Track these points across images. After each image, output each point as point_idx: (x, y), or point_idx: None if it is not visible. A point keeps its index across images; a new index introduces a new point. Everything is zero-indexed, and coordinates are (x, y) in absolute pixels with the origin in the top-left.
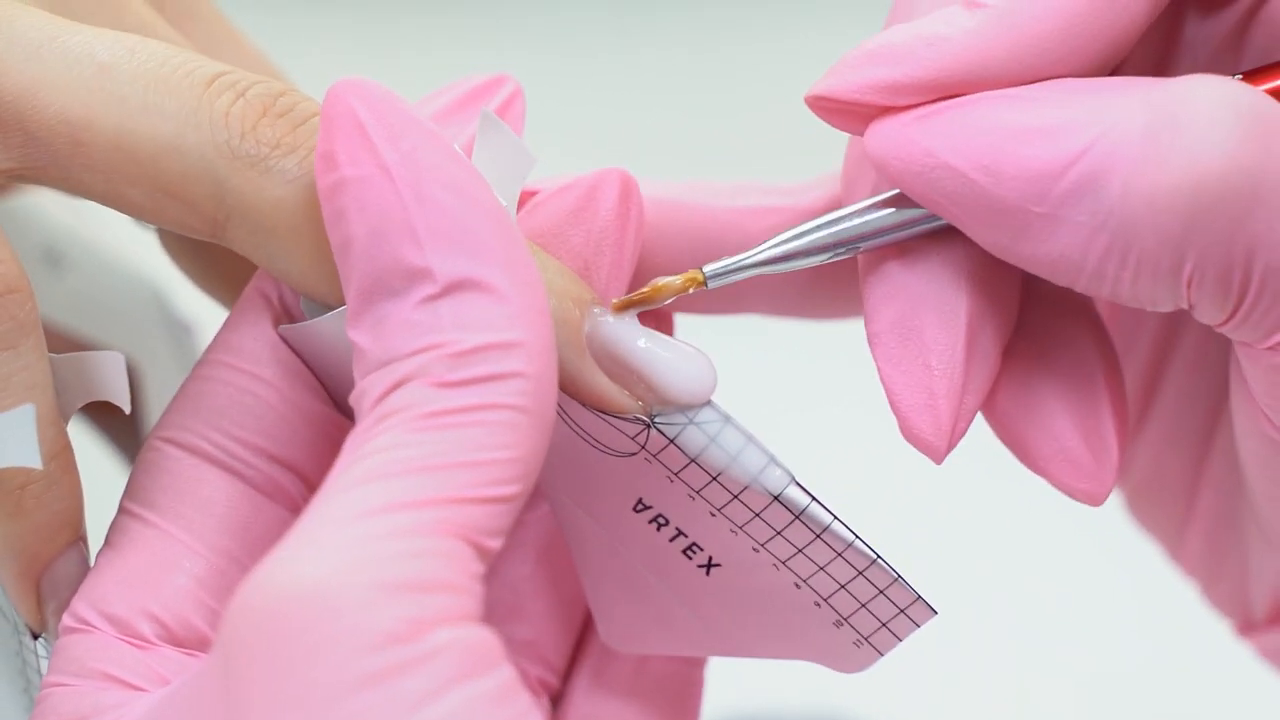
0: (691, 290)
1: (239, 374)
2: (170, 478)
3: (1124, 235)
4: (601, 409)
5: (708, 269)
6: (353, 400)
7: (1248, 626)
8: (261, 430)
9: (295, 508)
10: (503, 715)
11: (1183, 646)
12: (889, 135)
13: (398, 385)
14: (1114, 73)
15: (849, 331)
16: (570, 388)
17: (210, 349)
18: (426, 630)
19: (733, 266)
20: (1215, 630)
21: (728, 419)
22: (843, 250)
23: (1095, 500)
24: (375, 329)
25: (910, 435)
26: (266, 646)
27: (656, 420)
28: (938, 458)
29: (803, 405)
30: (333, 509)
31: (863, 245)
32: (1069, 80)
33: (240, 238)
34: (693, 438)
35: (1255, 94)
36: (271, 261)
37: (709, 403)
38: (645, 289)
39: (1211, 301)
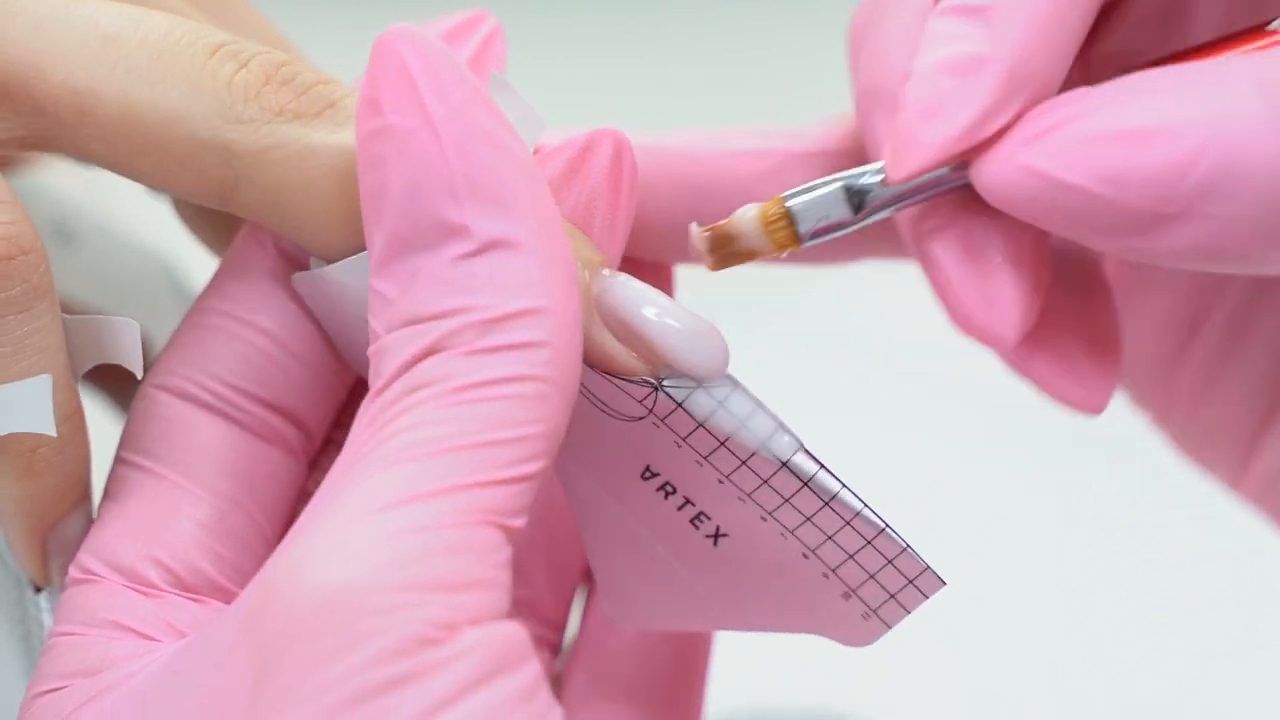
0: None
1: (232, 321)
2: (166, 424)
3: (1270, 216)
4: (608, 371)
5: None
6: (372, 353)
7: None
8: (255, 377)
9: (292, 451)
10: (525, 713)
11: (1182, 649)
12: (998, 169)
13: (428, 353)
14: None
15: (851, 336)
16: None
17: (203, 296)
18: (456, 633)
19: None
20: (1207, 630)
21: (736, 384)
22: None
23: (1098, 410)
24: (404, 281)
25: (972, 327)
26: (296, 642)
27: (664, 383)
28: (1007, 347)
29: (799, 409)
30: (361, 495)
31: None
32: (1164, 70)
33: (251, 201)
34: (700, 401)
35: None
36: (283, 221)
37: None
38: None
39: None
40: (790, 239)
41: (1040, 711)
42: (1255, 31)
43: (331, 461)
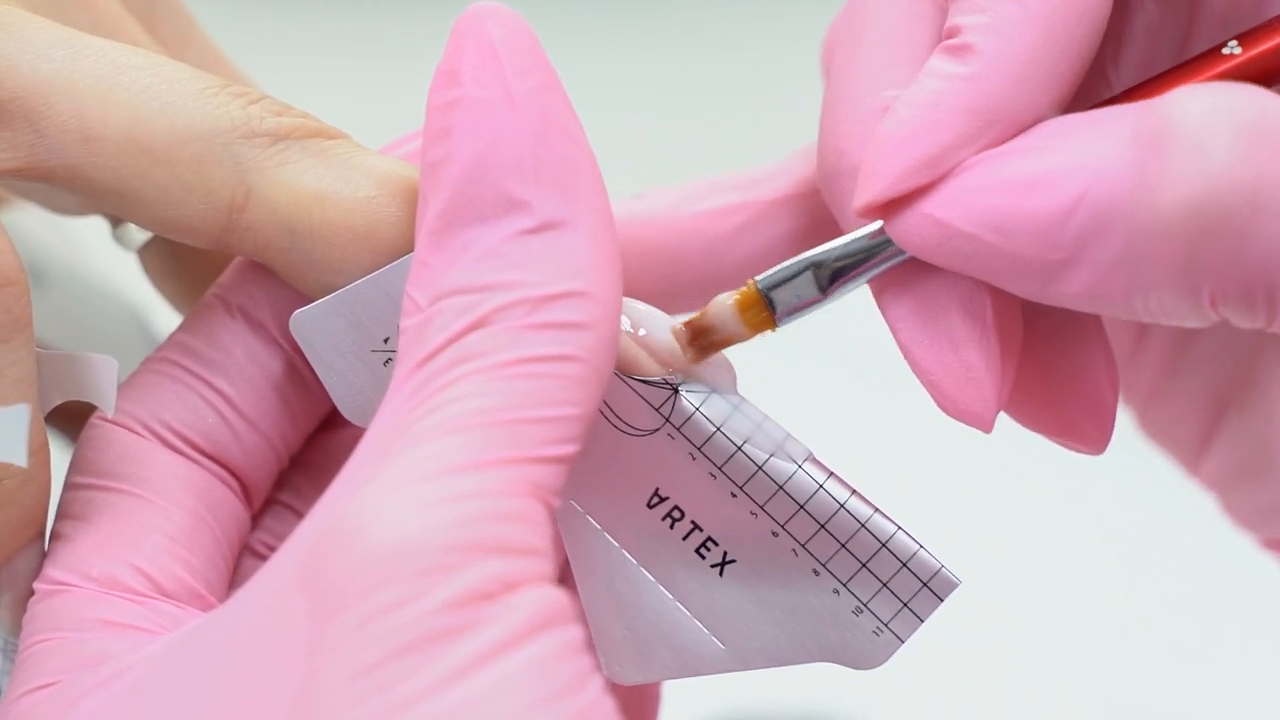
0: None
1: (190, 375)
2: (124, 449)
3: (1139, 269)
4: (633, 372)
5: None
6: (408, 326)
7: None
8: (205, 432)
9: (239, 499)
10: (571, 667)
11: (1186, 649)
12: (904, 216)
13: (477, 326)
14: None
15: (847, 342)
16: None
17: (164, 347)
18: (512, 590)
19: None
20: (1203, 626)
21: (743, 398)
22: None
23: (1096, 453)
24: (454, 253)
25: (954, 410)
26: (358, 592)
27: (682, 388)
28: (987, 427)
29: (795, 413)
30: (415, 459)
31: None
32: (1063, 119)
33: (258, 222)
34: (718, 405)
35: (1245, 95)
36: (292, 241)
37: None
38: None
39: (1242, 315)
40: (767, 322)
41: (1041, 711)
42: (1211, 55)
43: (278, 522)
